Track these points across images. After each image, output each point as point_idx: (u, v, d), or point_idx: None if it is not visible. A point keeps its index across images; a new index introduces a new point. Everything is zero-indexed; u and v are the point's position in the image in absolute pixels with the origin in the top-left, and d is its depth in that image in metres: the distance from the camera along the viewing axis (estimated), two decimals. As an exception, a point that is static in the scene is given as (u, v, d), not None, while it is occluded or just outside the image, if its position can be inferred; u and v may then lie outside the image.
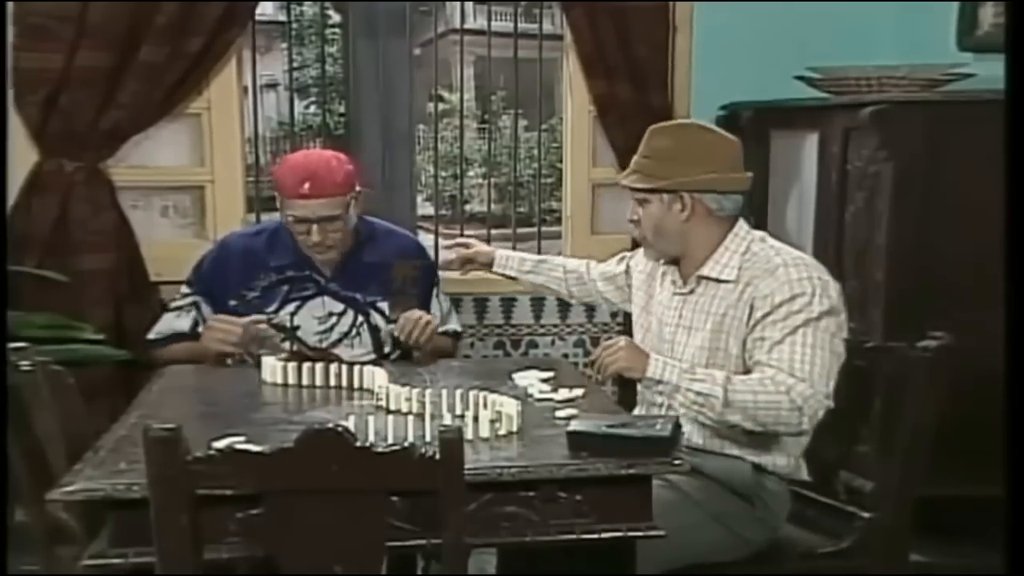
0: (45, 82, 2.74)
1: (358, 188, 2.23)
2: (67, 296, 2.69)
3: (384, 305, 2.29)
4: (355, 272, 2.28)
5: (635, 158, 1.96)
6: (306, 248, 2.22)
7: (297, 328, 2.23)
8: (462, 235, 3.97)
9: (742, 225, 1.94)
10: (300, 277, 2.26)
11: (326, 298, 2.26)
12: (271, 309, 2.23)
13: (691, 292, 1.93)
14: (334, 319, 2.26)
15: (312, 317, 2.25)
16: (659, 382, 1.80)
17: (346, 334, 2.26)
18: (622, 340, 1.88)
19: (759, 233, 1.96)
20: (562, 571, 1.74)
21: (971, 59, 2.83)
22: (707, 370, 1.83)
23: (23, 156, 2.78)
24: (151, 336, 2.31)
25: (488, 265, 2.31)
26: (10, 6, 2.73)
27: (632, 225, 1.99)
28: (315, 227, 2.15)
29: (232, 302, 2.23)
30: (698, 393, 1.77)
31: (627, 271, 2.21)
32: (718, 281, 1.89)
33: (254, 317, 2.16)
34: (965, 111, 2.47)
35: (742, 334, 1.85)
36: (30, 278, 2.63)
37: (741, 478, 1.87)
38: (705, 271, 1.91)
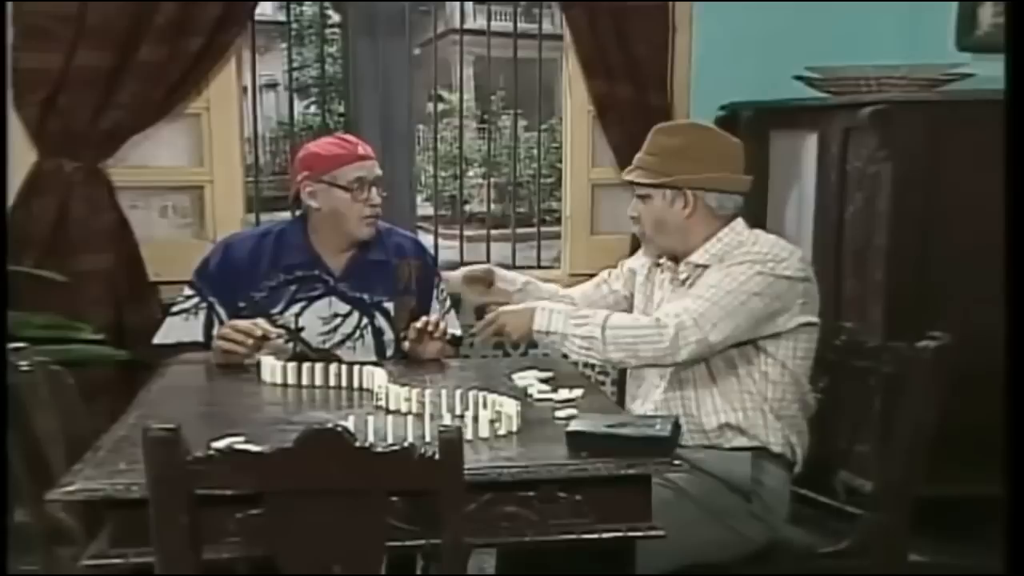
0: (44, 82, 2.74)
1: None
2: (66, 296, 2.68)
3: (389, 305, 2.29)
4: (363, 272, 2.27)
5: (639, 155, 2.00)
6: (360, 224, 2.21)
7: (301, 329, 2.23)
8: (462, 235, 4.00)
9: (739, 222, 1.98)
10: (309, 277, 2.25)
11: (333, 299, 2.25)
12: (277, 310, 2.22)
13: (685, 279, 1.97)
14: (339, 320, 2.25)
15: (317, 318, 2.24)
16: (548, 333, 1.85)
17: (349, 335, 2.26)
18: (497, 313, 1.96)
19: (763, 232, 2.00)
20: (562, 571, 1.74)
21: (970, 59, 2.83)
22: (593, 310, 1.90)
23: (22, 156, 2.78)
24: (158, 341, 2.27)
25: (490, 282, 2.29)
26: (9, 6, 2.73)
27: (633, 221, 2.03)
28: (373, 188, 2.21)
29: (240, 303, 2.22)
30: (582, 338, 1.82)
31: (624, 286, 2.20)
32: (701, 266, 1.94)
33: (267, 327, 2.13)
34: (964, 111, 2.48)
35: None
36: (29, 278, 2.63)
37: (738, 474, 1.88)
38: (694, 258, 1.96)
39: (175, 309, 2.28)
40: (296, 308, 2.23)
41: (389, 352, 2.28)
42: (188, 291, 2.28)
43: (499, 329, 1.94)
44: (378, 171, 2.25)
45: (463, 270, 2.30)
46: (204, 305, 2.24)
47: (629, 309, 2.17)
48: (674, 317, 1.81)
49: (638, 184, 1.97)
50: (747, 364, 1.90)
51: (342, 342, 2.25)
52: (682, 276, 1.98)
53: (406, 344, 2.23)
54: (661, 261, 2.05)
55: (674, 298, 1.97)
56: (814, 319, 1.93)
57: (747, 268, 1.85)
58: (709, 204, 1.94)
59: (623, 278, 2.20)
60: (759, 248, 1.90)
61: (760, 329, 1.87)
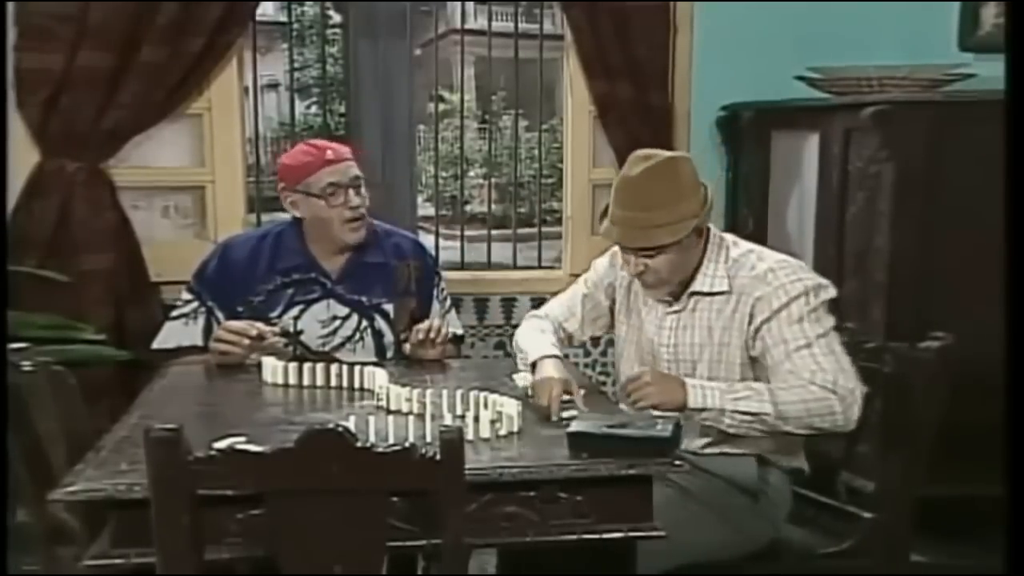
0: (46, 83, 2.74)
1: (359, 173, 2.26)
2: (68, 296, 2.68)
3: (389, 307, 2.29)
4: (361, 274, 2.27)
5: (625, 215, 1.83)
6: (344, 228, 2.20)
7: (300, 332, 2.23)
8: (463, 235, 4.00)
9: (713, 231, 1.94)
10: (306, 280, 2.25)
11: (331, 301, 2.25)
12: (275, 313, 2.22)
13: (683, 309, 1.93)
14: (338, 323, 2.25)
15: (316, 321, 2.24)
16: (704, 410, 1.77)
17: (349, 338, 2.25)
18: (647, 374, 1.82)
19: (729, 237, 1.95)
20: (563, 571, 1.74)
21: (972, 59, 2.83)
22: (746, 384, 1.82)
23: (24, 156, 2.78)
24: (156, 346, 2.27)
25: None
26: (10, 6, 2.73)
27: (638, 277, 1.90)
28: (351, 191, 2.19)
29: (239, 307, 2.22)
30: (746, 412, 1.76)
31: (606, 297, 2.11)
32: (711, 295, 1.89)
33: (262, 327, 2.13)
34: (966, 111, 2.47)
35: (742, 342, 1.86)
36: (31, 278, 2.63)
37: (744, 474, 1.88)
38: (696, 286, 1.90)
39: (174, 314, 2.28)
40: (294, 311, 2.23)
41: (389, 354, 2.28)
42: (187, 295, 2.28)
43: (648, 400, 1.76)
44: (353, 172, 2.22)
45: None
46: (203, 309, 2.24)
47: (612, 322, 2.11)
48: (831, 384, 1.75)
49: (662, 246, 1.81)
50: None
51: (342, 344, 2.25)
52: (682, 304, 1.92)
53: (407, 347, 2.24)
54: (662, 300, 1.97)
55: (681, 329, 1.90)
56: None
57: (803, 306, 1.80)
58: (707, 226, 1.90)
59: (602, 288, 2.10)
60: (793, 278, 1.82)
61: None
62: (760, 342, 1.84)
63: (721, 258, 1.90)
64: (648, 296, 1.98)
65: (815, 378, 1.77)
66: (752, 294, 1.84)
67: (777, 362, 1.81)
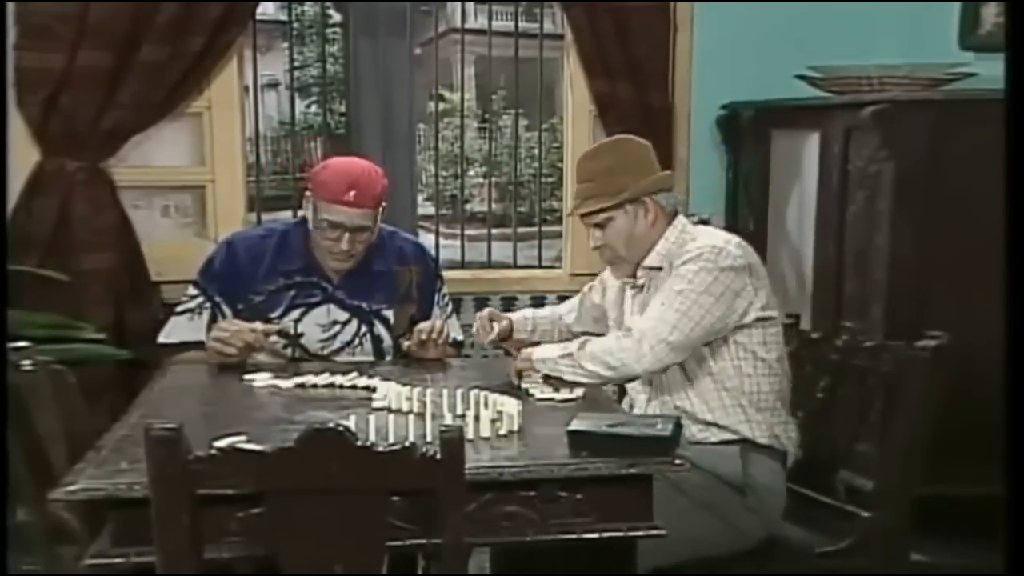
0: (46, 82, 2.75)
1: (384, 203, 2.24)
2: (68, 295, 2.69)
3: (389, 313, 2.29)
4: (362, 280, 2.26)
5: (576, 187, 2.05)
6: (327, 255, 2.19)
7: (301, 335, 2.23)
8: (463, 235, 4.01)
9: (680, 218, 2.03)
10: (307, 283, 2.24)
11: (331, 306, 2.24)
12: (276, 314, 2.21)
13: (642, 287, 2.03)
14: (337, 327, 2.25)
15: (316, 324, 2.23)
16: (544, 361, 1.96)
17: (348, 343, 2.25)
18: (522, 359, 2.02)
19: (701, 227, 2.08)
20: (562, 571, 1.75)
21: (973, 58, 2.83)
22: (578, 340, 1.98)
23: (24, 156, 2.79)
24: (162, 340, 2.26)
25: (508, 336, 2.26)
26: (11, 6, 2.73)
27: (600, 252, 2.05)
28: (347, 235, 2.15)
29: (240, 305, 2.22)
30: (563, 356, 1.93)
31: (600, 301, 2.23)
32: (655, 269, 1.99)
33: (260, 326, 2.12)
34: (967, 111, 2.47)
35: None
36: (31, 277, 2.63)
37: (730, 469, 1.89)
38: (648, 263, 2.01)
39: (180, 309, 2.27)
40: (295, 314, 2.22)
41: (388, 358, 2.27)
42: (192, 291, 2.27)
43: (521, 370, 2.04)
44: (360, 222, 2.15)
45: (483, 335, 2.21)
46: (208, 305, 2.24)
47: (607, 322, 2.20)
48: (637, 329, 1.88)
49: (600, 211, 1.98)
50: (720, 360, 1.92)
51: (341, 349, 2.24)
52: (640, 282, 2.03)
53: (405, 344, 2.23)
54: (627, 279, 2.08)
55: (638, 308, 2.02)
56: (773, 312, 1.94)
57: (691, 266, 1.89)
58: (661, 204, 2.00)
59: (600, 291, 2.24)
60: (696, 245, 1.94)
61: (724, 322, 1.89)
62: None
63: (672, 237, 1.99)
64: (615, 276, 2.11)
65: (633, 322, 1.91)
66: (674, 261, 1.95)
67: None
